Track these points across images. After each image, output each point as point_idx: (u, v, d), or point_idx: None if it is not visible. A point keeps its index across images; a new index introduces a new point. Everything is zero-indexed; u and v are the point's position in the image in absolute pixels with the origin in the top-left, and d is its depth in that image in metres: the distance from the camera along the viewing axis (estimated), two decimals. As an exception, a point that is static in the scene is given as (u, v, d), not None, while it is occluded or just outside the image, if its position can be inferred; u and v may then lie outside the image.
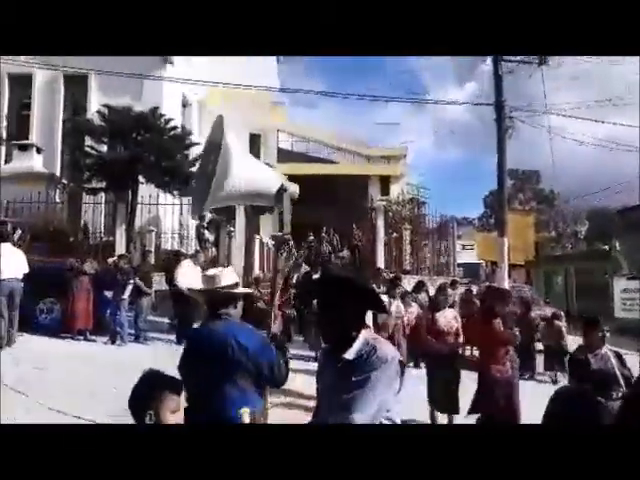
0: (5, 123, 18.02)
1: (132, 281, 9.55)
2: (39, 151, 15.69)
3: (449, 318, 6.04)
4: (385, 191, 22.21)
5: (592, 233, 36.15)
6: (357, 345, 1.91)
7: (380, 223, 13.88)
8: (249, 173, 3.33)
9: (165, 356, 8.37)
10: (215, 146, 3.23)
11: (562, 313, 11.44)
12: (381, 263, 13.08)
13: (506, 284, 11.59)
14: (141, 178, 13.46)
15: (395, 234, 14.72)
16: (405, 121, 68.54)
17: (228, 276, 2.80)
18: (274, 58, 25.24)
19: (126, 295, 9.42)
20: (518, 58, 11.29)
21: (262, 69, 21.64)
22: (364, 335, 1.94)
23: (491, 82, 11.73)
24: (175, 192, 14.09)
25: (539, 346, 10.35)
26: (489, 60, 11.97)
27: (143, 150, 12.66)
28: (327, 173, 21.49)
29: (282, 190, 3.44)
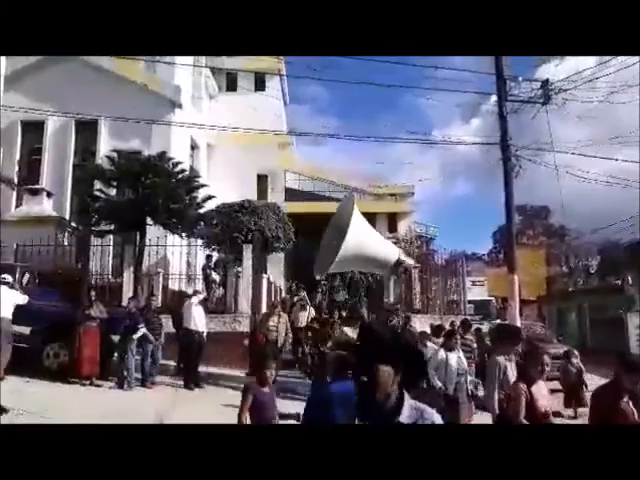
0: (17, 168, 18.38)
1: (141, 325, 9.52)
2: (49, 195, 15.92)
3: (547, 396, 4.52)
4: (393, 228, 22.23)
5: (604, 268, 35.77)
6: (406, 410, 1.89)
7: (388, 261, 13.81)
8: (371, 246, 3.53)
9: (171, 402, 8.27)
10: (343, 219, 3.49)
11: (576, 351, 11.44)
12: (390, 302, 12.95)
13: (518, 322, 11.39)
14: (149, 220, 13.57)
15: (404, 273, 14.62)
16: (412, 158, 69.32)
17: None
18: (281, 101, 25.77)
19: (135, 337, 9.40)
20: (522, 98, 11.41)
21: (269, 111, 22.10)
22: (407, 398, 1.92)
23: (495, 119, 11.84)
24: (182, 234, 14.16)
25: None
26: (493, 99, 12.12)
27: (151, 193, 12.79)
28: (333, 211, 21.57)
29: (399, 262, 3.67)
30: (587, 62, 37.72)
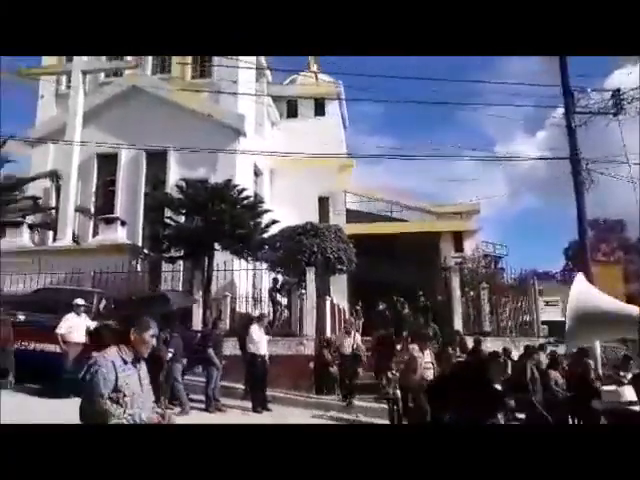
0: (93, 199, 19.54)
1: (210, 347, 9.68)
2: (123, 224, 16.70)
3: None
4: (459, 248, 21.73)
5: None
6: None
7: (455, 282, 13.43)
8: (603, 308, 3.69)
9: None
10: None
11: None
12: (459, 325, 12.57)
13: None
14: (216, 246, 13.97)
15: (472, 293, 14.19)
16: (475, 175, 67.84)
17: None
18: (340, 124, 26.06)
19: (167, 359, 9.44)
20: (591, 109, 10.96)
21: (329, 135, 22.40)
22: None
23: (563, 131, 11.40)
24: (248, 258, 14.47)
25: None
26: (560, 112, 11.69)
27: (218, 220, 13.20)
28: (396, 232, 21.41)
29: None
30: (661, 67, 35.73)
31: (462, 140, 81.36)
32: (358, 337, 11.65)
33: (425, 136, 76.43)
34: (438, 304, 14.19)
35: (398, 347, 10.59)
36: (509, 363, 9.22)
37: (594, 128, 11.36)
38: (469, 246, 21.21)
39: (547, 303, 24.80)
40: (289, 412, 9.96)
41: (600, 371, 9.62)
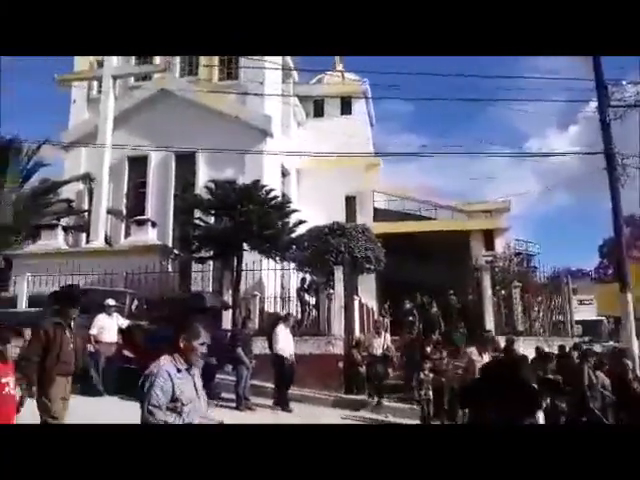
0: (125, 201, 19.92)
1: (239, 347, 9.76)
2: (154, 225, 16.97)
3: None
4: (489, 246, 21.37)
5: None
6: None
7: (486, 281, 13.18)
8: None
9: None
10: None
11: None
12: (490, 325, 12.35)
13: (635, 344, 10.41)
14: (245, 246, 14.07)
15: (503, 292, 13.94)
16: (505, 171, 66.66)
17: None
18: (367, 122, 25.93)
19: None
20: (627, 102, 10.62)
21: (356, 133, 22.31)
22: None
23: (596, 125, 11.08)
24: (277, 258, 14.53)
25: None
26: (593, 105, 11.38)
27: (246, 220, 13.29)
28: (425, 230, 21.19)
29: None
30: (700, 57, 34.46)
31: (493, 137, 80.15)
32: (388, 337, 11.52)
33: (454, 133, 75.58)
34: (469, 303, 13.98)
35: (428, 349, 10.46)
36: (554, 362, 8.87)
37: (630, 121, 11.02)
38: (500, 244, 20.85)
39: (581, 302, 24.22)
40: (319, 412, 9.95)
41: (639, 372, 9.33)
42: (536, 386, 2.15)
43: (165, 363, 2.95)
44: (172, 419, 2.77)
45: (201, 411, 3.01)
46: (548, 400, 6.11)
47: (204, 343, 3.15)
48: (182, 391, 2.89)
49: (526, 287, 14.21)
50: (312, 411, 9.97)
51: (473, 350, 8.34)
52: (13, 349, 4.19)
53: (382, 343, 11.18)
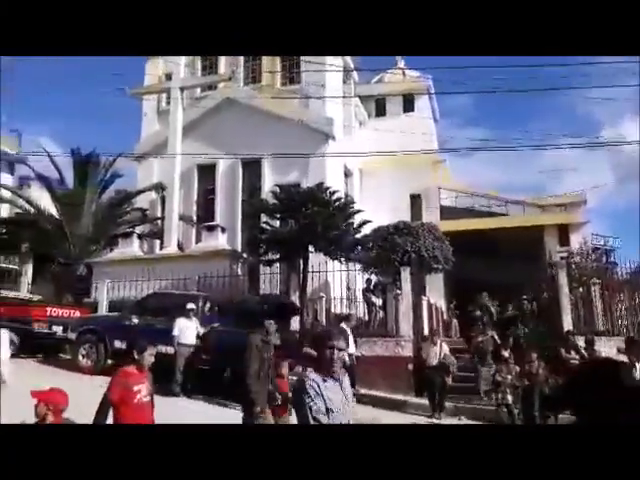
0: (195, 207, 20.67)
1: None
2: (223, 230, 17.47)
3: None
4: (565, 242, 20.36)
5: None
6: None
7: (563, 279, 12.48)
8: None
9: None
10: None
11: None
12: (568, 324, 11.72)
13: None
14: (311, 248, 14.20)
15: (581, 290, 13.21)
16: (577, 163, 63.31)
17: None
18: (431, 119, 25.45)
19: None
20: None
21: (419, 130, 21.95)
22: None
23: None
24: (342, 259, 14.55)
25: None
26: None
27: (311, 222, 13.40)
28: (495, 227, 20.51)
29: None
30: None
31: (565, 127, 76.43)
32: (445, 347, 10.84)
33: (524, 126, 72.68)
34: (544, 302, 13.34)
35: (506, 353, 10.08)
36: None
37: None
38: (576, 239, 19.78)
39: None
40: (384, 414, 9.85)
41: None
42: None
43: (312, 375, 2.92)
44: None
45: (348, 414, 2.99)
46: None
47: (342, 349, 3.12)
48: (330, 399, 2.85)
49: (606, 284, 13.38)
50: (379, 413, 9.89)
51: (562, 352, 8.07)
52: (149, 357, 4.37)
53: (438, 352, 10.57)
